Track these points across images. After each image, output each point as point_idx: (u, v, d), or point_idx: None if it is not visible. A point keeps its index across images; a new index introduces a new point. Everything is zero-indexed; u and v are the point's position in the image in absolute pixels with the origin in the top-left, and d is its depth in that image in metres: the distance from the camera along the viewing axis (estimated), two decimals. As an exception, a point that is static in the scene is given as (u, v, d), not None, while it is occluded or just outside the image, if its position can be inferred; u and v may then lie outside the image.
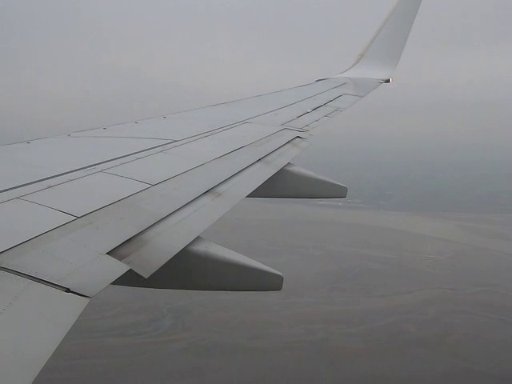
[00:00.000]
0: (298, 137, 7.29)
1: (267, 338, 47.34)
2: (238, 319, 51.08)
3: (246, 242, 70.42)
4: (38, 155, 5.03)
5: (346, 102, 10.15)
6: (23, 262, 2.65)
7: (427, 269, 67.96)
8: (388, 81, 12.66)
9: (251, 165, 5.62)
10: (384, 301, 56.29)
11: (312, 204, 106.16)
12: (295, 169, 6.29)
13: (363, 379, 40.81)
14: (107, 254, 3.04)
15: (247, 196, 4.93)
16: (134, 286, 3.48)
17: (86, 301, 2.55)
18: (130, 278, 3.04)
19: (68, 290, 2.56)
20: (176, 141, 5.88)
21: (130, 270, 3.00)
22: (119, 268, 2.96)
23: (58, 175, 4.07)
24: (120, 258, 3.04)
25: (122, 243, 3.20)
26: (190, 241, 3.65)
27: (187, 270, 3.81)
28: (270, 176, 5.56)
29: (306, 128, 7.83)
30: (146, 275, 3.05)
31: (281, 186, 6.09)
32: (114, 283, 2.89)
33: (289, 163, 6.25)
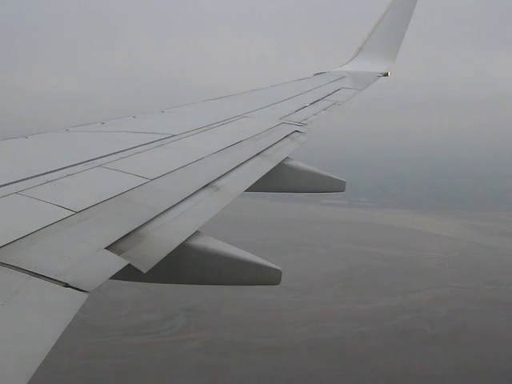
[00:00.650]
0: (297, 131, 7.26)
1: (281, 336, 47.37)
2: (251, 318, 51.09)
3: (252, 240, 70.12)
4: (37, 150, 5.02)
5: (344, 96, 10.13)
6: (22, 257, 2.64)
7: (436, 267, 68.03)
8: (386, 74, 12.64)
9: (250, 159, 5.60)
10: (396, 299, 56.34)
11: (316, 202, 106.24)
12: (293, 163, 6.27)
13: (380, 377, 40.88)
14: (106, 248, 3.03)
15: (246, 190, 4.95)
16: (133, 280, 3.46)
17: (84, 296, 2.54)
18: (128, 273, 3.03)
19: (67, 285, 2.56)
20: (174, 135, 5.86)
21: (129, 265, 2.99)
22: (118, 263, 2.95)
23: (56, 170, 4.05)
24: (118, 253, 3.04)
25: (121, 238, 3.19)
26: (188, 235, 3.65)
27: (186, 265, 3.80)
28: (268, 170, 5.55)
29: (305, 122, 7.80)
30: (144, 270, 3.05)
31: (279, 180, 6.07)
32: (112, 278, 2.88)
33: (287, 157, 6.24)
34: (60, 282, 2.56)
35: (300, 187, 6.40)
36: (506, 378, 41.25)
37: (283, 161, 6.08)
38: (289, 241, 77.94)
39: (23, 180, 3.69)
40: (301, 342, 46.20)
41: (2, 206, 3.26)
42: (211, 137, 6.26)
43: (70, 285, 2.57)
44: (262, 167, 5.56)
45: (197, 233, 3.79)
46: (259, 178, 5.25)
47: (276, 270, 4.02)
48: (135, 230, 3.36)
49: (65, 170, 4.10)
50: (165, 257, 3.25)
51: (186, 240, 3.61)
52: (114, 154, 4.76)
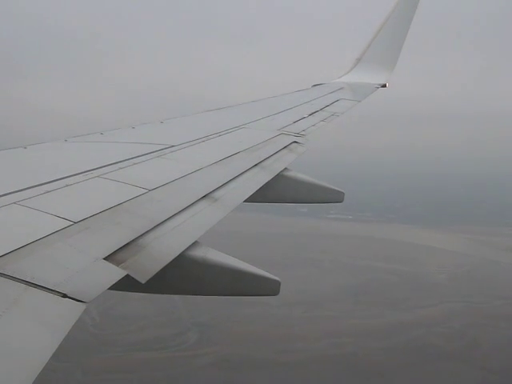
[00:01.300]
0: (295, 142, 7.24)
1: (294, 352, 46.98)
2: (263, 333, 50.75)
3: (259, 256, 69.97)
4: (35, 160, 5.01)
5: (342, 107, 10.11)
6: (20, 267, 2.63)
7: (445, 282, 67.79)
8: (385, 85, 12.65)
9: (248, 170, 5.58)
10: (408, 314, 56.02)
11: (322, 217, 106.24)
12: (292, 174, 6.25)
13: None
14: (104, 259, 3.02)
15: (244, 201, 4.92)
16: (131, 291, 3.47)
17: (82, 306, 2.53)
18: (127, 284, 3.02)
19: (65, 296, 2.55)
20: (173, 146, 5.85)
21: (127, 276, 2.98)
22: (116, 273, 2.94)
23: (54, 180, 4.04)
24: (117, 264, 3.02)
25: (119, 248, 3.19)
26: (186, 246, 3.64)
27: (184, 275, 3.79)
28: (266, 181, 5.53)
29: (303, 133, 7.80)
30: (143, 280, 3.04)
31: (278, 191, 6.04)
32: (110, 289, 2.87)
33: (286, 168, 6.22)
34: (58, 292, 2.55)
35: (298, 198, 6.38)
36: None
37: (281, 171, 6.06)
38: (296, 256, 77.72)
39: (22, 190, 3.69)
40: (315, 358, 45.81)
41: (1, 216, 3.26)
42: (210, 147, 6.26)
43: (68, 295, 2.55)
44: (261, 178, 5.54)
45: (196, 243, 3.78)
46: (257, 188, 5.23)
47: (275, 280, 4.00)
48: (134, 240, 3.35)
49: (63, 180, 4.09)
50: (163, 267, 3.24)
51: (185, 250, 3.61)
52: (113, 164, 4.76)
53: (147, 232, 3.52)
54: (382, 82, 12.66)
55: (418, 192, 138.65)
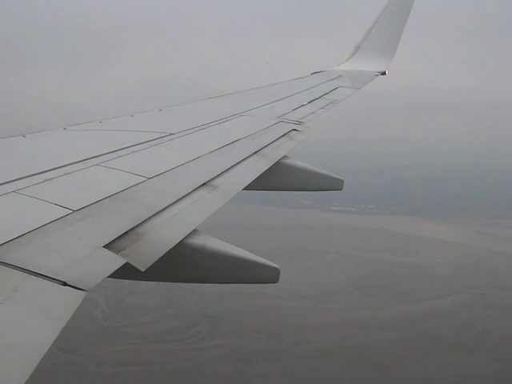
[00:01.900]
0: (294, 129, 7.22)
1: (306, 343, 47.26)
2: (274, 325, 50.96)
3: (263, 248, 70.30)
4: (34, 149, 5.00)
5: (341, 95, 10.09)
6: (20, 255, 2.64)
7: (452, 274, 68.08)
8: (384, 73, 12.60)
9: (247, 157, 5.57)
10: (417, 305, 56.35)
11: (325, 209, 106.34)
12: (291, 161, 6.25)
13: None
14: (104, 247, 3.02)
15: (243, 189, 4.92)
16: (131, 279, 3.47)
17: (82, 294, 2.53)
18: (126, 272, 3.02)
19: (65, 284, 2.55)
20: (172, 134, 5.84)
21: (127, 263, 2.98)
22: (116, 261, 2.94)
23: (54, 169, 4.04)
24: (117, 252, 3.03)
25: (119, 236, 3.18)
26: (186, 234, 3.65)
27: (184, 263, 3.80)
28: (266, 169, 5.53)
29: (302, 120, 7.77)
30: (142, 268, 3.04)
31: (277, 178, 6.07)
32: (110, 276, 2.87)
33: (285, 156, 6.21)
34: (58, 280, 2.55)
35: (298, 185, 6.38)
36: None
37: (281, 159, 6.05)
38: (302, 248, 77.90)
39: (21, 179, 3.68)
40: (327, 349, 46.11)
41: (0, 205, 3.25)
42: (209, 135, 6.24)
43: (68, 283, 2.55)
44: (260, 166, 5.53)
45: (195, 231, 3.78)
46: (257, 176, 5.23)
47: (274, 268, 4.01)
48: (133, 228, 3.36)
49: (62, 168, 4.09)
50: (163, 255, 3.25)
51: (185, 238, 3.62)
52: (112, 152, 4.74)
53: (147, 220, 3.53)
54: (382, 70, 12.60)
55: (420, 184, 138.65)
